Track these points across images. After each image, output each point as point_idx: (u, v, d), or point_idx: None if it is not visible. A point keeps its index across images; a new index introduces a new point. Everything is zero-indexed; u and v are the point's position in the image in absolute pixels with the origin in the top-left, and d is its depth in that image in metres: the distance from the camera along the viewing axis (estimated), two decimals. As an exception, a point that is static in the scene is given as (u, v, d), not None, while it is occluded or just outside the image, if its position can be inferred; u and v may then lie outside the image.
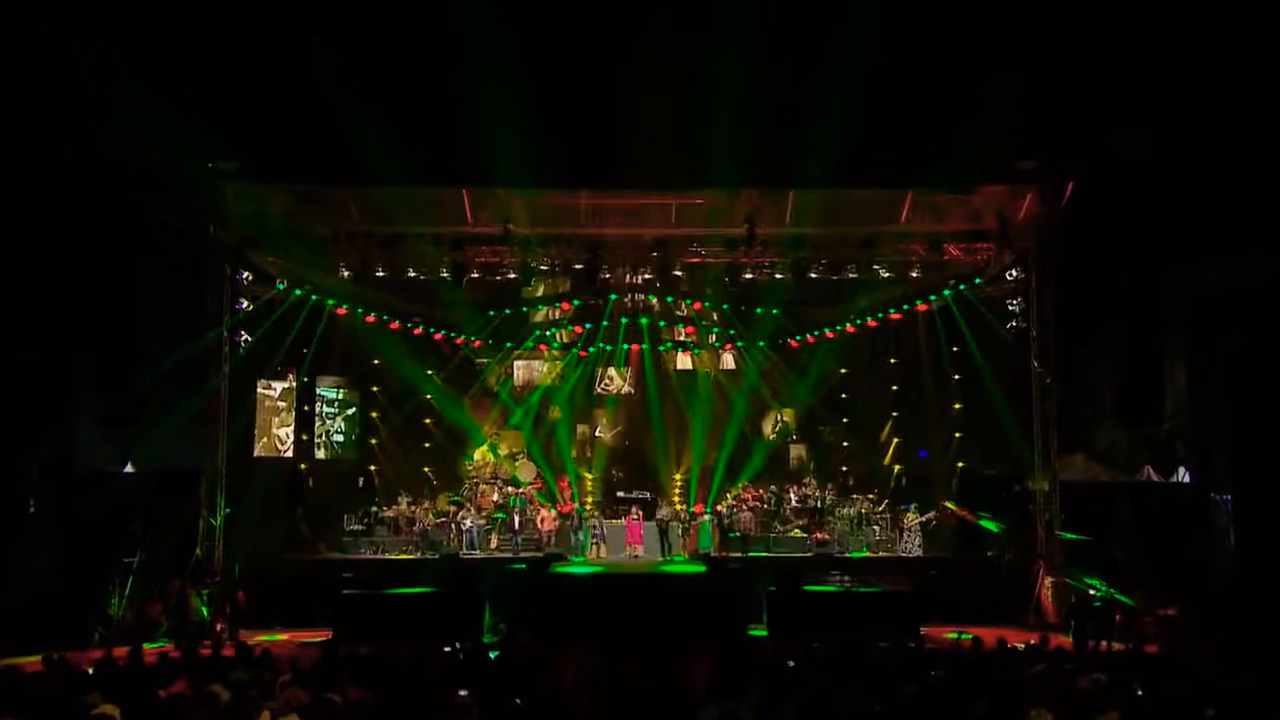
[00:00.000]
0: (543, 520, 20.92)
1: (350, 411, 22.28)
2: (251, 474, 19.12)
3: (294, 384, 20.93)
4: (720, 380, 23.40)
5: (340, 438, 22.14)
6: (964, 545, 19.89)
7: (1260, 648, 11.36)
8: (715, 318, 23.08)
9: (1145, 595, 16.34)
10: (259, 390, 20.11)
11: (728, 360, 23.59)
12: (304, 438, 21.16)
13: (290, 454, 20.91)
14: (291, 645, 14.66)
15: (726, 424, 22.96)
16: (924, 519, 20.23)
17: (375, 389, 22.32)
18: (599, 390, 23.64)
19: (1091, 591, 16.88)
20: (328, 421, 21.93)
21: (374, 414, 22.29)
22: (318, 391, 21.62)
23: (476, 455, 23.27)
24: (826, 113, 16.21)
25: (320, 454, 21.59)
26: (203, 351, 17.98)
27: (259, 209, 18.44)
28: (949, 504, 20.46)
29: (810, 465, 23.24)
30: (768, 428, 23.68)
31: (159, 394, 17.29)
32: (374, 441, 22.32)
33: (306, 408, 21.33)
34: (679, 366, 23.50)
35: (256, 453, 19.90)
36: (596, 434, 23.50)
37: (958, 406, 21.07)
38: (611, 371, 23.65)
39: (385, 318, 21.21)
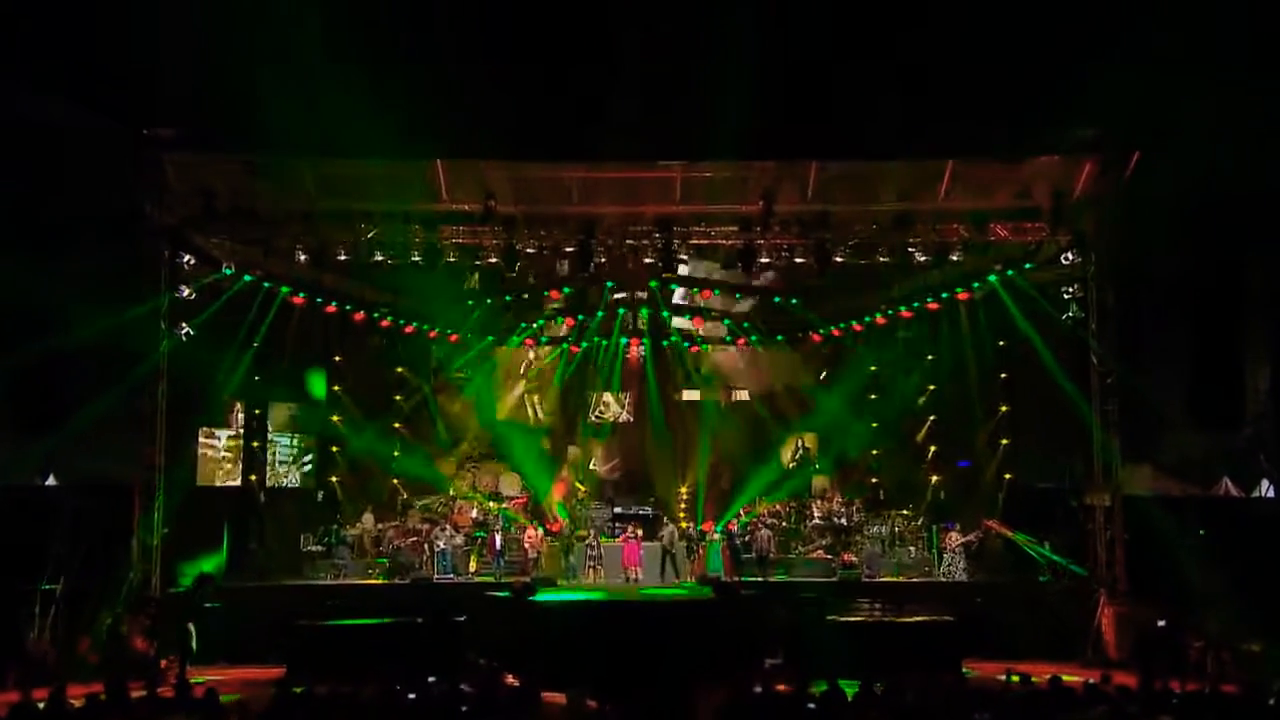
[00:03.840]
0: (529, 540, 20.81)
1: (306, 463, 22.26)
2: (194, 486, 19.04)
3: (240, 430, 20.83)
4: (732, 410, 23.59)
5: (296, 482, 22.20)
6: (1013, 568, 19.75)
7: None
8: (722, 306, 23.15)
9: (1223, 626, 16.23)
10: (200, 439, 20.04)
11: (741, 394, 23.70)
12: (253, 479, 21.05)
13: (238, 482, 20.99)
14: (239, 684, 14.55)
15: (738, 457, 23.06)
16: (966, 540, 20.09)
17: (336, 388, 22.26)
18: (593, 419, 23.70)
19: (1159, 622, 16.76)
20: (279, 468, 21.92)
21: (335, 417, 22.19)
22: (269, 436, 21.55)
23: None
24: (852, 72, 16.10)
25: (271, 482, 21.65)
26: (136, 346, 17.82)
27: (203, 184, 18.28)
28: (991, 522, 20.31)
29: (834, 485, 23.23)
30: (786, 455, 23.66)
31: (85, 395, 17.15)
32: (335, 450, 22.24)
33: (256, 444, 21.18)
34: (685, 397, 23.67)
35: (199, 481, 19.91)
36: (590, 467, 23.53)
37: (1004, 409, 20.94)
38: (607, 397, 23.71)
39: (348, 308, 21.22)
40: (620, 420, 23.90)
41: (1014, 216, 18.98)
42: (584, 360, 23.53)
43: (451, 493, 22.79)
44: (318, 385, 22.19)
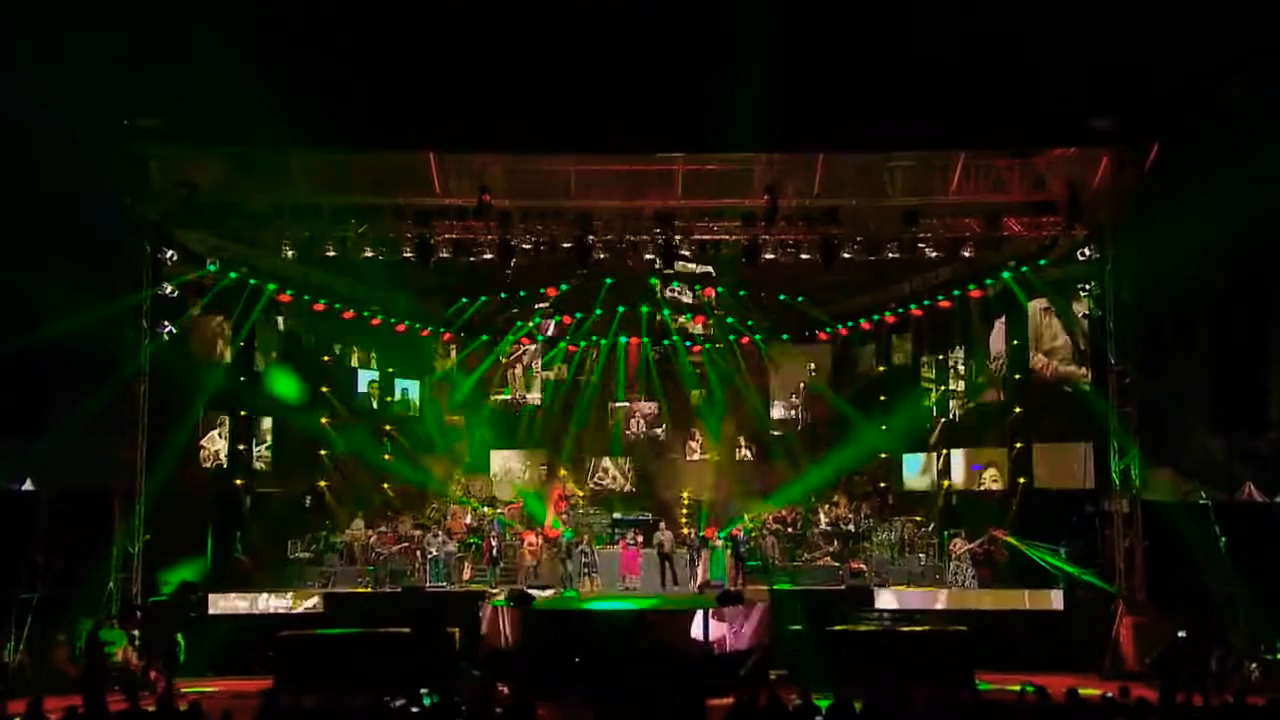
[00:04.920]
0: (529, 547, 20.73)
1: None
2: (178, 491, 18.97)
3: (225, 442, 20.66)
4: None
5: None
6: (1027, 577, 19.66)
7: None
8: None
9: (1248, 637, 16.16)
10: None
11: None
12: (238, 483, 20.79)
13: (225, 465, 20.79)
14: (225, 697, 14.49)
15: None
16: (971, 547, 19.99)
17: (325, 389, 22.22)
18: (592, 485, 24.13)
19: (1180, 632, 16.69)
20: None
21: (324, 418, 22.13)
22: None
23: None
24: (860, 60, 16.01)
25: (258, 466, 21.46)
26: (116, 345, 17.77)
27: (186, 178, 18.22)
28: (998, 530, 20.19)
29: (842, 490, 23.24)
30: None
31: (65, 397, 17.09)
32: (324, 453, 22.17)
33: (241, 447, 20.98)
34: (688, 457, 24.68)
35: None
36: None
37: (1018, 410, 20.87)
38: (606, 462, 23.96)
39: (337, 305, 21.18)
40: (621, 489, 24.30)
41: (1028, 211, 18.89)
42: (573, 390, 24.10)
43: (445, 497, 22.75)
44: (303, 387, 22.10)
